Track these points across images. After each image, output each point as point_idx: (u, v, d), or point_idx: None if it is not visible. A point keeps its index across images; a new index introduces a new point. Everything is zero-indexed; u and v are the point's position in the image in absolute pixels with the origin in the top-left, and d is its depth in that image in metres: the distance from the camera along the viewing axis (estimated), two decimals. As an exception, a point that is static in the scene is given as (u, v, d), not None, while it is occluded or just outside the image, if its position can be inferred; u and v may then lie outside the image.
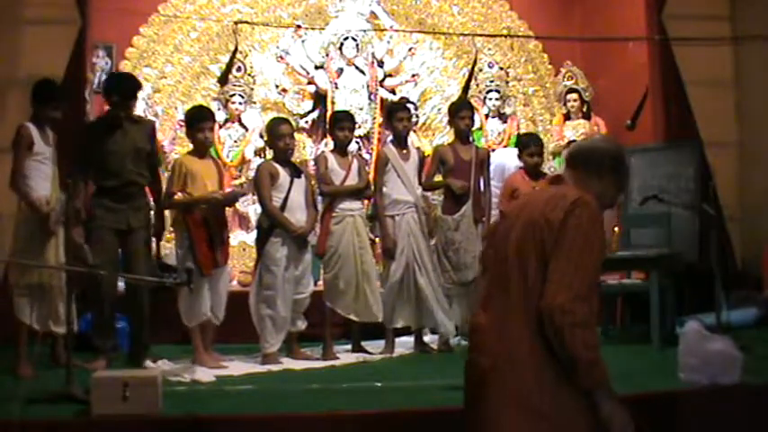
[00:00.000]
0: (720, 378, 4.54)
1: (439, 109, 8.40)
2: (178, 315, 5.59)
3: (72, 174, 5.49)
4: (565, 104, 8.32)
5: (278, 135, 5.91)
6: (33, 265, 5.17)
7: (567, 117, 8.31)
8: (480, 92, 8.42)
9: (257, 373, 5.44)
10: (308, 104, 8.19)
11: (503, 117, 8.40)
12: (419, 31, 8.52)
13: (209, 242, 5.57)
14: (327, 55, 8.16)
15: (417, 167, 6.39)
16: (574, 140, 8.00)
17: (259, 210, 6.17)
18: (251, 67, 8.09)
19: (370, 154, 7.85)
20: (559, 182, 2.71)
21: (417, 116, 8.18)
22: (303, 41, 8.22)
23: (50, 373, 5.07)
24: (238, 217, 7.89)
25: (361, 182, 6.27)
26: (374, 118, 8.07)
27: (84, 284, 5.48)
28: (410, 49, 8.39)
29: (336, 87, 8.04)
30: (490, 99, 8.34)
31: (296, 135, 6.52)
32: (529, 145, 6.59)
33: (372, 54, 8.21)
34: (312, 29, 8.24)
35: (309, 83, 8.14)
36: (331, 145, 6.71)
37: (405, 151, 6.39)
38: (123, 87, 5.65)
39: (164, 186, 5.79)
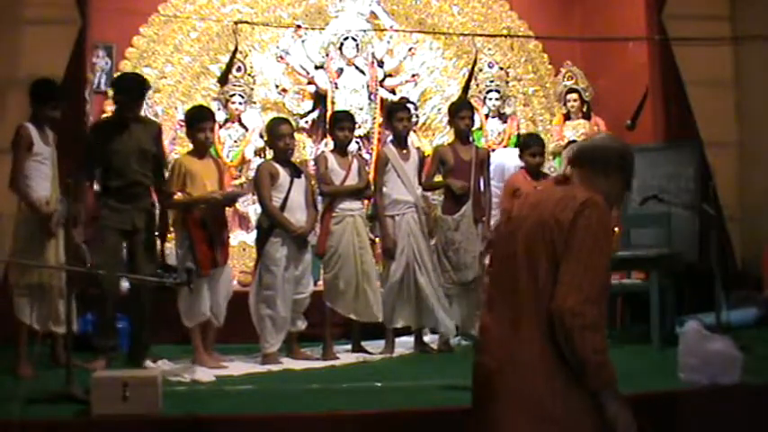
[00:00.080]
0: (720, 378, 4.54)
1: (439, 109, 8.40)
2: (178, 315, 5.60)
3: (77, 173, 5.50)
4: (565, 104, 8.31)
5: (278, 135, 5.91)
6: (33, 265, 5.17)
7: (567, 117, 8.31)
8: (480, 92, 8.41)
9: (257, 373, 5.44)
10: (308, 104, 8.19)
11: (503, 117, 8.40)
12: (419, 31, 8.52)
13: (208, 242, 5.57)
14: (327, 55, 8.16)
15: (417, 167, 6.39)
16: (574, 140, 8.01)
17: (259, 210, 6.17)
18: (251, 67, 8.08)
19: (370, 154, 7.85)
20: (567, 182, 2.70)
21: (417, 116, 8.17)
22: (303, 41, 8.22)
23: (50, 373, 5.07)
24: (238, 217, 7.89)
25: (361, 182, 6.27)
26: (374, 118, 8.07)
27: (85, 284, 5.49)
28: (410, 49, 8.39)
29: (336, 87, 8.04)
30: (490, 99, 8.34)
31: (296, 135, 6.52)
32: (530, 145, 6.59)
33: (372, 54, 8.21)
34: (312, 29, 8.23)
35: (309, 83, 8.14)
36: (331, 145, 6.71)
37: (405, 151, 6.39)
38: (130, 88, 5.65)
39: (166, 187, 5.80)
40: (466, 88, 8.47)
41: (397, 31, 8.39)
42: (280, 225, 5.79)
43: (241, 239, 7.77)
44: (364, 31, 8.16)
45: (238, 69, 8.02)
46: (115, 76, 7.43)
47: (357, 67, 8.09)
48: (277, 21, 8.29)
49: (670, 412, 4.28)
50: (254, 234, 6.49)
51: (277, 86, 8.17)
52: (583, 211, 2.49)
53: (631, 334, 6.59)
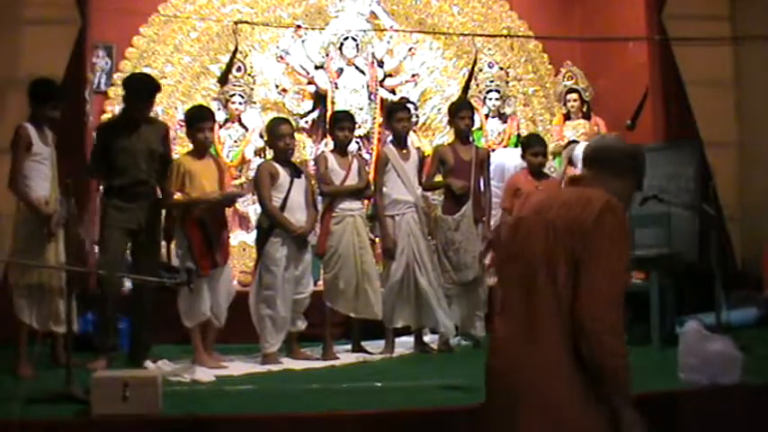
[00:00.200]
0: (720, 378, 4.54)
1: (439, 109, 8.40)
2: (178, 315, 5.60)
3: (86, 172, 5.51)
4: (565, 104, 8.32)
5: (278, 135, 5.91)
6: (33, 266, 5.17)
7: (567, 117, 8.31)
8: (480, 92, 8.42)
9: (257, 373, 5.44)
10: (308, 104, 8.19)
11: (503, 117, 8.40)
12: (419, 31, 8.52)
13: (207, 242, 5.57)
14: (327, 55, 8.16)
15: (417, 167, 6.39)
16: (574, 140, 8.02)
17: (259, 210, 6.17)
18: (251, 67, 8.08)
19: (370, 154, 7.85)
20: (581, 182, 2.68)
21: (417, 116, 8.17)
22: (303, 41, 8.22)
23: (50, 373, 5.07)
24: (238, 217, 7.89)
25: (361, 182, 6.27)
26: (374, 118, 8.06)
27: (86, 283, 5.49)
28: (410, 49, 8.39)
29: (336, 87, 8.04)
30: (490, 99, 8.34)
31: (296, 135, 6.52)
32: (533, 145, 6.59)
33: (372, 54, 8.21)
34: (312, 29, 8.23)
35: (309, 83, 8.14)
36: (331, 145, 6.71)
37: (405, 151, 6.39)
38: (139, 88, 5.66)
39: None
40: (466, 88, 8.48)
41: (397, 31, 8.39)
42: (280, 225, 5.79)
43: (241, 239, 7.77)
44: (364, 31, 8.16)
45: (238, 69, 8.02)
46: (124, 76, 7.44)
47: (357, 67, 8.09)
48: (277, 21, 8.29)
49: (670, 412, 4.28)
50: (254, 234, 6.49)
51: (277, 86, 8.17)
52: (602, 215, 2.47)
53: (631, 334, 6.55)
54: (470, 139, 6.74)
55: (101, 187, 5.93)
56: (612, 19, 8.53)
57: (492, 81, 8.41)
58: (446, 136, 8.02)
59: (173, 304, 5.60)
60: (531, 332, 2.50)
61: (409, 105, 7.08)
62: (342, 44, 8.06)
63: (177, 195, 5.61)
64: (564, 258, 2.48)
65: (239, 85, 7.92)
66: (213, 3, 8.21)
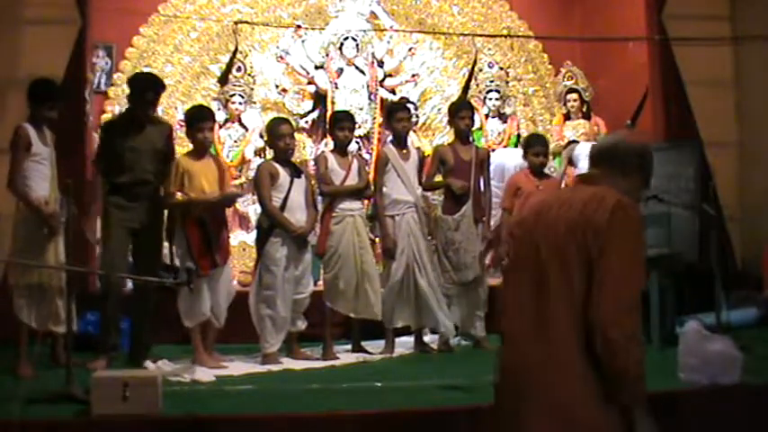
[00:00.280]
0: (720, 378, 4.54)
1: (439, 109, 8.40)
2: (178, 315, 5.60)
3: (94, 170, 5.51)
4: (565, 104, 8.32)
5: (278, 135, 5.91)
6: (33, 265, 5.17)
7: (567, 117, 8.31)
8: (480, 92, 8.42)
9: (257, 373, 5.44)
10: (308, 104, 8.18)
11: (503, 117, 8.40)
12: (419, 31, 8.52)
13: (207, 242, 5.56)
14: (327, 55, 8.16)
15: (417, 167, 6.39)
16: (574, 140, 8.02)
17: (259, 210, 6.17)
18: (251, 67, 8.08)
19: (370, 154, 7.85)
20: (591, 180, 2.65)
21: (417, 116, 8.17)
22: (303, 41, 8.21)
23: (50, 373, 5.07)
24: (238, 217, 7.89)
25: (361, 182, 6.27)
26: (374, 118, 8.06)
27: (86, 283, 5.49)
28: (410, 49, 8.38)
29: (336, 87, 8.04)
30: (490, 99, 8.34)
31: (296, 135, 6.52)
32: (534, 144, 6.60)
33: (372, 54, 8.20)
34: (312, 29, 8.23)
35: (309, 83, 8.14)
36: (331, 145, 6.71)
37: (405, 151, 6.39)
38: (143, 87, 5.67)
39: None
40: (466, 88, 8.47)
41: (397, 31, 8.39)
42: (280, 225, 5.79)
43: (241, 239, 7.76)
44: (364, 31, 8.16)
45: (238, 69, 8.01)
46: (124, 76, 7.45)
47: (357, 67, 8.08)
48: (277, 21, 8.28)
49: (670, 412, 4.28)
50: (254, 234, 6.49)
51: (277, 86, 8.17)
52: (617, 216, 2.44)
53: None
54: (470, 139, 6.74)
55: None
56: (612, 19, 8.53)
57: (492, 81, 8.41)
58: (446, 136, 8.02)
59: (173, 304, 5.60)
60: (542, 331, 2.47)
61: (409, 105, 7.08)
62: (342, 44, 8.06)
63: (179, 195, 5.60)
64: (577, 257, 2.45)
65: (239, 85, 7.92)
66: (213, 3, 8.21)
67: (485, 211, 6.51)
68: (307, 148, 8.05)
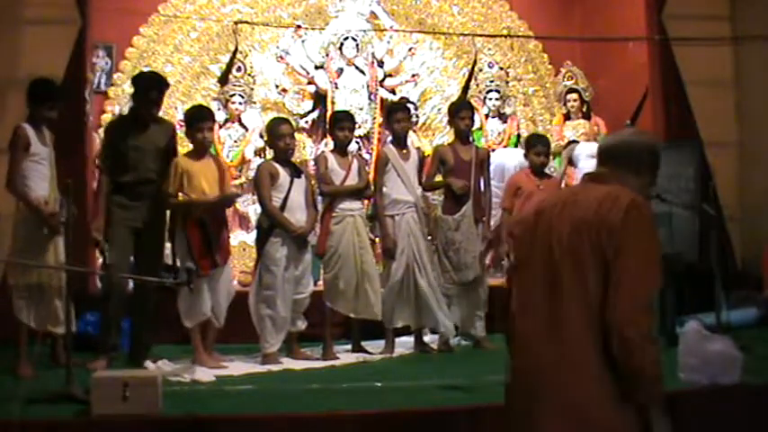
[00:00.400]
0: (720, 378, 4.54)
1: (439, 109, 8.40)
2: (178, 315, 5.59)
3: (100, 169, 5.52)
4: (565, 104, 8.33)
5: (278, 135, 5.91)
6: (33, 266, 5.17)
7: (567, 117, 8.32)
8: (480, 92, 8.42)
9: (257, 373, 5.44)
10: (308, 104, 8.19)
11: (503, 117, 8.40)
12: (419, 31, 8.52)
13: (207, 242, 5.56)
14: (327, 55, 8.16)
15: (417, 167, 6.39)
16: (574, 140, 8.03)
17: (259, 210, 6.17)
18: (251, 67, 8.08)
19: (370, 154, 7.85)
20: (601, 179, 2.61)
21: (417, 116, 8.18)
22: (303, 41, 8.22)
23: (50, 373, 5.07)
24: (238, 217, 7.89)
25: (361, 182, 6.26)
26: (374, 118, 8.07)
27: (86, 283, 5.49)
28: (410, 49, 8.39)
29: (336, 87, 8.04)
30: (490, 99, 8.34)
31: (296, 135, 6.52)
32: (535, 144, 6.60)
33: (372, 54, 8.21)
34: (312, 29, 8.23)
35: (309, 83, 8.14)
36: (331, 145, 6.71)
37: (405, 151, 6.39)
38: (147, 87, 5.66)
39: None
40: (466, 88, 8.48)
41: (397, 31, 8.40)
42: (280, 225, 5.79)
43: (241, 239, 7.77)
44: (364, 31, 8.16)
45: (238, 69, 8.02)
46: (124, 76, 7.45)
47: (357, 67, 8.09)
48: (277, 21, 8.29)
49: (670, 412, 4.27)
50: (254, 234, 6.49)
51: (277, 86, 8.17)
52: (631, 215, 2.42)
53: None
54: (470, 139, 6.74)
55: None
56: (612, 19, 8.53)
57: (492, 81, 8.42)
58: (446, 136, 8.02)
59: (173, 304, 5.60)
60: (555, 331, 2.45)
61: (409, 105, 7.09)
62: (342, 44, 8.06)
63: (180, 196, 5.60)
64: (591, 257, 2.42)
65: (239, 85, 7.93)
66: (213, 3, 8.21)
67: (485, 211, 6.51)
68: (307, 148, 8.05)
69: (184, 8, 8.11)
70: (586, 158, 7.52)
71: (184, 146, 6.18)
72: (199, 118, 5.76)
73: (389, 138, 7.10)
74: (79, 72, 6.96)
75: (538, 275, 2.52)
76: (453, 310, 6.32)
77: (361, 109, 7.93)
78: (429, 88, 8.52)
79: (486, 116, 8.35)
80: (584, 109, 8.30)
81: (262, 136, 7.35)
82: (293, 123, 6.66)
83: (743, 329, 6.05)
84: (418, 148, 6.82)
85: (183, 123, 6.30)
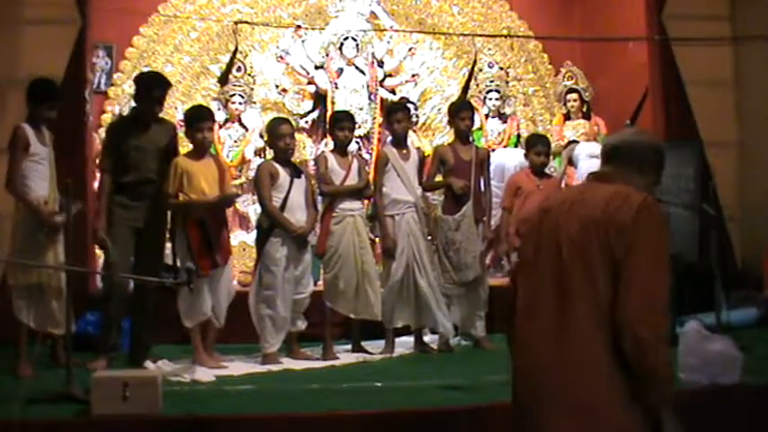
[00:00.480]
0: (720, 378, 4.54)
1: (439, 109, 8.40)
2: (178, 315, 5.59)
3: (102, 169, 5.53)
4: (565, 104, 8.33)
5: (278, 135, 5.91)
6: (33, 266, 5.17)
7: (567, 117, 8.32)
8: (480, 92, 8.42)
9: (257, 373, 5.44)
10: (308, 104, 8.19)
11: (503, 117, 8.40)
12: (419, 31, 8.52)
13: (207, 243, 5.56)
14: (327, 55, 8.16)
15: (417, 167, 6.39)
16: (574, 140, 8.03)
17: (259, 210, 6.17)
18: (251, 67, 8.08)
19: (370, 154, 7.85)
20: (606, 178, 2.59)
21: (417, 116, 8.18)
22: (303, 41, 8.22)
23: (50, 373, 5.07)
24: (238, 217, 7.89)
25: (361, 182, 6.26)
26: (374, 118, 8.06)
27: (86, 283, 5.48)
28: (410, 49, 8.39)
29: (336, 87, 8.04)
30: (490, 99, 8.34)
31: (296, 135, 6.52)
32: (536, 144, 6.60)
33: (372, 54, 8.21)
34: (312, 29, 8.23)
35: (309, 83, 8.14)
36: (331, 145, 6.71)
37: (405, 151, 6.39)
38: (149, 86, 5.67)
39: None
40: (466, 88, 8.48)
41: (397, 31, 8.40)
42: (280, 225, 5.79)
43: (241, 239, 7.76)
44: (364, 31, 8.16)
45: (238, 69, 8.02)
46: (124, 76, 7.44)
47: (357, 67, 8.09)
48: (277, 21, 8.29)
49: (679, 413, 4.27)
50: (254, 234, 6.49)
51: (277, 86, 8.17)
52: (642, 215, 2.41)
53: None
54: (470, 139, 6.74)
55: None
56: (612, 19, 8.53)
57: (492, 81, 8.42)
58: (446, 136, 8.02)
59: (173, 304, 5.60)
60: (563, 331, 2.43)
61: (409, 105, 7.09)
62: (342, 44, 8.06)
63: (181, 196, 5.60)
64: (600, 257, 2.40)
65: (239, 85, 7.93)
66: (213, 3, 8.21)
67: (485, 210, 6.51)
68: (307, 148, 8.05)
69: (184, 8, 8.11)
70: (586, 158, 7.53)
71: (184, 146, 6.19)
72: (199, 118, 5.76)
73: (389, 138, 7.10)
74: (79, 72, 6.96)
75: (545, 275, 2.50)
76: (453, 310, 6.32)
77: (361, 109, 7.93)
78: (429, 88, 8.52)
79: (486, 116, 8.35)
80: (585, 109, 8.30)
81: (262, 136, 7.35)
82: (293, 123, 6.66)
83: (743, 329, 6.05)
84: (418, 148, 6.82)
85: (182, 123, 6.31)
